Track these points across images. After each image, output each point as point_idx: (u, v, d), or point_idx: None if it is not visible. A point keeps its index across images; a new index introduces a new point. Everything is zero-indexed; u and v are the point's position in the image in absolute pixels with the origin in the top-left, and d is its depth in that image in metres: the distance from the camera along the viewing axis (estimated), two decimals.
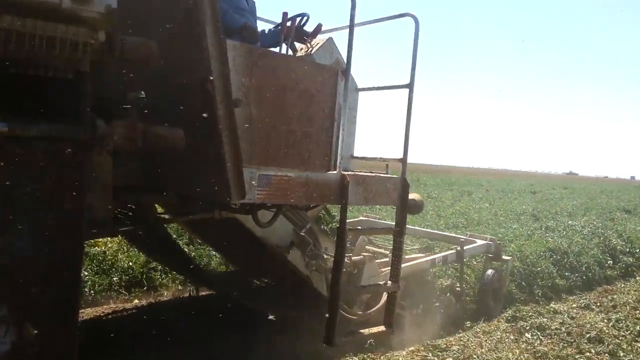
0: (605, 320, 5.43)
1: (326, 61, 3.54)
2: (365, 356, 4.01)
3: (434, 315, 5.30)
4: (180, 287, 5.78)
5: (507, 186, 28.30)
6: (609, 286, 7.45)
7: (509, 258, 6.29)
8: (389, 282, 3.55)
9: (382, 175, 3.33)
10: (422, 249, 6.00)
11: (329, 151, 2.90)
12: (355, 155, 3.83)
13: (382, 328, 3.50)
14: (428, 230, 7.18)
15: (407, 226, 7.19)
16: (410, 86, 3.32)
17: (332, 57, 3.60)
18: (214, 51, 2.36)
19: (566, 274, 7.40)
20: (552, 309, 5.74)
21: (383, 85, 3.61)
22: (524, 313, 5.49)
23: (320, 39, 3.58)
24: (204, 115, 2.39)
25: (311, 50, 3.50)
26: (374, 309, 4.57)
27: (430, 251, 5.96)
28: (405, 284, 5.07)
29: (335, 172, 3.01)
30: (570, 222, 11.81)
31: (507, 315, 5.47)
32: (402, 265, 5.10)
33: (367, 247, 5.51)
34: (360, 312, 4.45)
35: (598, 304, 6.27)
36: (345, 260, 4.35)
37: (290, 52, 3.53)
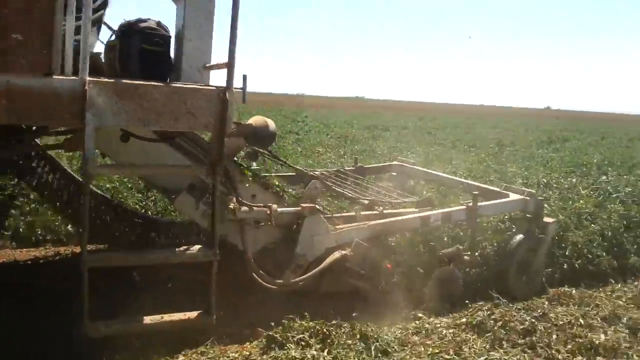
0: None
1: None
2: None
3: (418, 292, 3.99)
4: None
5: None
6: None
7: (552, 221, 4.55)
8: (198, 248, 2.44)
9: (178, 85, 2.21)
10: (421, 201, 4.57)
11: (48, 42, 1.90)
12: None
13: (195, 314, 2.46)
14: (438, 173, 5.61)
15: (419, 168, 5.82)
16: None
17: None
18: None
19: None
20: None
21: None
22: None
23: None
24: None
25: None
26: (301, 277, 3.50)
27: (431, 205, 4.52)
28: (366, 248, 3.82)
29: (70, 77, 2.00)
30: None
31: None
32: (372, 223, 3.92)
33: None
34: (280, 281, 3.42)
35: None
36: (263, 210, 3.34)
37: None
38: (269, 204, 3.32)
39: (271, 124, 2.99)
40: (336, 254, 3.58)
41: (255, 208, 3.27)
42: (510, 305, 3.57)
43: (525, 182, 6.79)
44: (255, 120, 2.97)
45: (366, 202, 4.25)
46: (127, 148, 2.87)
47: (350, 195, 4.36)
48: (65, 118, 2.00)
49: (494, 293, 3.74)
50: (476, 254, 4.34)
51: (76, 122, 2.02)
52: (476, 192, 4.37)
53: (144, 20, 2.75)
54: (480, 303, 3.63)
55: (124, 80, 2.13)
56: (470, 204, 4.24)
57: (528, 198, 4.56)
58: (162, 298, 2.96)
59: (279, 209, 3.34)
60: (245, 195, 3.31)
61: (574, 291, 3.88)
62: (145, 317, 2.38)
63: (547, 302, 3.68)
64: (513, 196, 4.64)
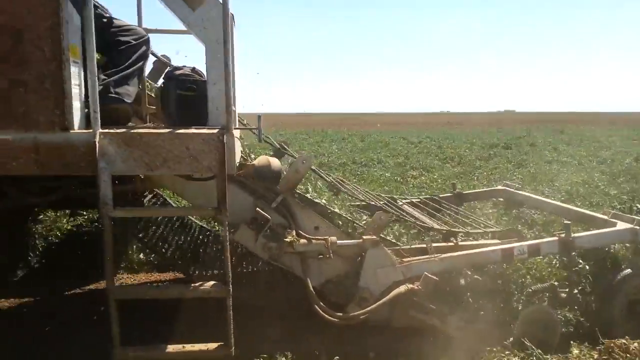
0: None
1: None
2: None
3: (506, 334, 3.55)
4: None
5: None
6: None
7: None
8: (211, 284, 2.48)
9: (180, 131, 2.31)
10: (506, 231, 4.09)
11: (61, 103, 2.15)
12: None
13: (214, 345, 2.50)
14: (546, 200, 4.99)
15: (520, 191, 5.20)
16: None
17: None
18: None
19: None
20: None
21: None
22: None
23: None
24: None
25: None
26: (362, 310, 3.37)
27: (518, 236, 4.03)
28: (435, 282, 3.53)
29: (85, 131, 2.23)
30: None
31: None
32: (444, 256, 3.64)
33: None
34: (341, 314, 3.35)
35: None
36: (321, 242, 3.33)
37: None
38: (327, 236, 3.28)
39: (274, 163, 2.97)
40: (401, 288, 3.40)
41: (313, 241, 3.26)
42: (545, 356, 2.99)
43: (620, 207, 5.83)
44: (258, 160, 2.97)
45: (444, 231, 3.97)
46: (191, 186, 3.06)
47: (425, 225, 4.10)
48: (81, 167, 2.23)
49: (526, 341, 3.18)
50: (575, 291, 3.79)
51: (91, 170, 2.23)
52: (568, 222, 3.86)
53: (180, 68, 2.97)
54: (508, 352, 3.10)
55: (132, 130, 2.32)
56: (563, 235, 3.74)
57: (637, 227, 3.89)
58: (194, 325, 3.05)
59: (338, 242, 3.29)
60: (308, 227, 3.32)
61: (635, 344, 3.01)
62: (168, 346, 2.51)
63: (595, 356, 2.97)
64: (621, 225, 4.01)
